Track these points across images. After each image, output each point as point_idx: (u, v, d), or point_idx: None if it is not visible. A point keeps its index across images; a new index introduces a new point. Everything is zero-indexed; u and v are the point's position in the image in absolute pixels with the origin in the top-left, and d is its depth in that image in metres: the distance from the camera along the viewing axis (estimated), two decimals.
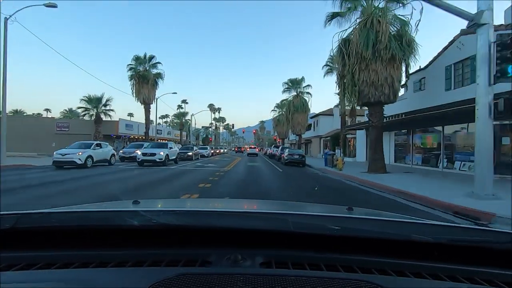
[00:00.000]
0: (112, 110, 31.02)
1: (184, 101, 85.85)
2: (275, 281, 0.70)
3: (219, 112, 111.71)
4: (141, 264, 0.80)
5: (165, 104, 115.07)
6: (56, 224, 0.94)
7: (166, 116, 77.45)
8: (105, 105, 30.42)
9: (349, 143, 27.74)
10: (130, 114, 79.55)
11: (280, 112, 52.74)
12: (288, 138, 52.85)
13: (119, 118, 32.74)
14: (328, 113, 36.85)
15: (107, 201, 4.28)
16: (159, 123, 70.87)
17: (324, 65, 31.35)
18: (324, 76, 31.45)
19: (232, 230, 0.93)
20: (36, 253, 0.86)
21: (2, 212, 0.91)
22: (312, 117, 38.04)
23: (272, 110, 53.75)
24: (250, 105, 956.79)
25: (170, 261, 0.82)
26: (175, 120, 52.93)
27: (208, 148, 32.79)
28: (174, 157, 19.03)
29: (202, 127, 69.54)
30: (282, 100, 37.54)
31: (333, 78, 30.88)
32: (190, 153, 24.16)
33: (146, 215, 0.94)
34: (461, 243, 0.90)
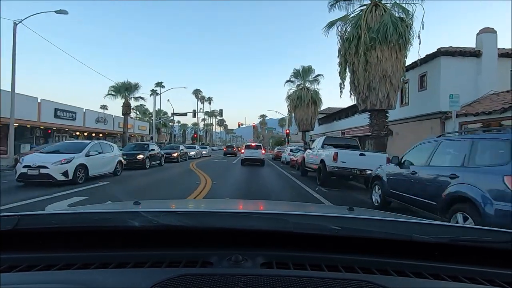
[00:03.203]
0: None
1: (159, 84, 63.00)
2: (276, 282, 0.69)
3: (209, 103, 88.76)
4: (142, 265, 0.79)
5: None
6: (57, 225, 0.91)
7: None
8: None
9: None
10: None
11: (302, 85, 29.82)
12: (309, 131, 29.70)
13: None
14: (461, 51, 13.54)
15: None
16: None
17: None
18: None
19: (232, 231, 0.92)
20: (37, 254, 0.85)
21: (3, 214, 0.90)
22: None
23: (287, 81, 30.82)
24: (249, 103, 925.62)
25: (171, 262, 0.81)
26: (112, 95, 29.68)
27: (87, 148, 8.95)
28: None
29: (185, 114, 47.60)
30: (331, 24, 13.99)
31: None
32: None
33: (147, 216, 0.92)
34: (462, 243, 0.89)
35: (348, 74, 14.31)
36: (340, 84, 14.55)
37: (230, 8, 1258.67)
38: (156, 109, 55.40)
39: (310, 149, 11.49)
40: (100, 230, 0.92)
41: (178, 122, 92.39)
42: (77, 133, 26.87)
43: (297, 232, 0.87)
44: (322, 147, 10.00)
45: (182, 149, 20.40)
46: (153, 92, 56.91)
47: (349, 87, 14.55)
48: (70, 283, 0.71)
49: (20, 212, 0.91)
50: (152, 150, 14.10)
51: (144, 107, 50.96)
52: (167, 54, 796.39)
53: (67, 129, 25.03)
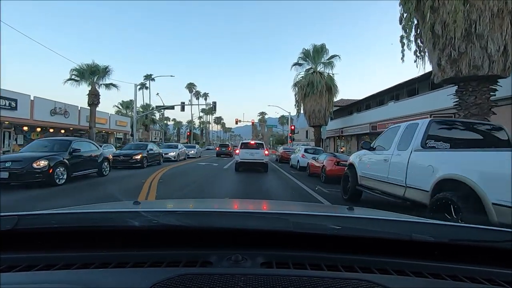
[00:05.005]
0: None
1: (148, 76, 56.60)
2: (276, 281, 0.68)
3: (205, 99, 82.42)
4: (142, 265, 0.79)
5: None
6: (57, 225, 0.90)
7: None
8: None
9: None
10: None
11: (313, 70, 23.98)
12: (323, 125, 23.43)
13: None
14: None
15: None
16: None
17: None
18: None
19: (232, 231, 0.91)
20: (36, 254, 0.84)
21: (2, 214, 0.88)
22: None
23: (295, 64, 24.85)
24: (248, 102, 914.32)
25: (171, 262, 0.80)
26: (75, 80, 23.66)
27: None
28: None
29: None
30: None
31: None
32: None
33: (147, 216, 0.92)
34: (462, 242, 0.88)
35: (414, 23, 8.37)
36: (402, 37, 8.56)
37: (230, 5, 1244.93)
38: (144, 103, 49.32)
39: (370, 149, 5.55)
40: (100, 230, 0.91)
41: (174, 120, 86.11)
42: (25, 128, 20.78)
43: (297, 231, 0.87)
44: (424, 145, 4.05)
45: (151, 150, 14.32)
46: (142, 86, 50.71)
47: (415, 46, 8.63)
48: (69, 283, 0.71)
49: (19, 212, 0.90)
50: (76, 151, 8.13)
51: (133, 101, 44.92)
52: (163, 53, 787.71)
53: (7, 122, 18.93)
